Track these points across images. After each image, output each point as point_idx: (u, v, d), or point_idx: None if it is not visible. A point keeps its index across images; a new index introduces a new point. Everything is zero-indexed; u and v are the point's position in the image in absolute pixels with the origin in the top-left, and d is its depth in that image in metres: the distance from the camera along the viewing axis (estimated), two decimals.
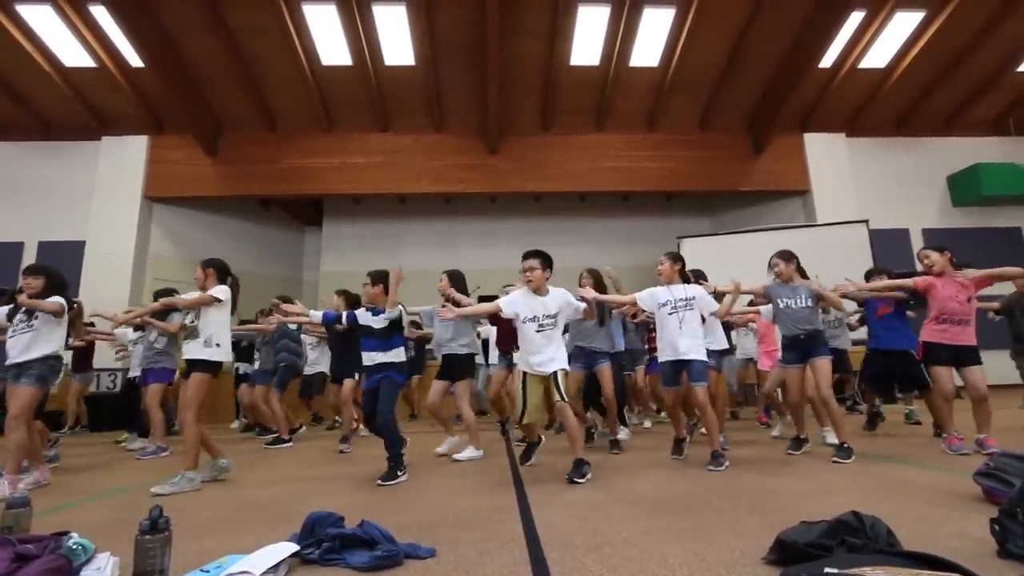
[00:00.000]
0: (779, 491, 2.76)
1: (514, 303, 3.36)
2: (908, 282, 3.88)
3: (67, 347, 3.94)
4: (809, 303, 3.74)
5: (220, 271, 3.66)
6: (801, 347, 3.74)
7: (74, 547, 1.73)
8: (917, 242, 9.93)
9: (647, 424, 6.02)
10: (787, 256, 3.84)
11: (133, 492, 3.26)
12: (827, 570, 1.42)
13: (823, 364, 3.69)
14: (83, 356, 6.63)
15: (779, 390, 4.68)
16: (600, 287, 4.18)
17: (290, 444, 5.32)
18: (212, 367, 3.46)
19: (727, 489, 2.84)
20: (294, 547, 1.87)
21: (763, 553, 1.75)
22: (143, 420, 5.38)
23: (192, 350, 3.47)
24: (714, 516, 2.31)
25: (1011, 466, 2.29)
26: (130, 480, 3.72)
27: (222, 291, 3.53)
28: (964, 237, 10.02)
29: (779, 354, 4.27)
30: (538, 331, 3.29)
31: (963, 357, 3.74)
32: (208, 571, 1.69)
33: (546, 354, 3.27)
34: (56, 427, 7.10)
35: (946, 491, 2.59)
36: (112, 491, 3.29)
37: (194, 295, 3.58)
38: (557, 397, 3.23)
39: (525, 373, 3.35)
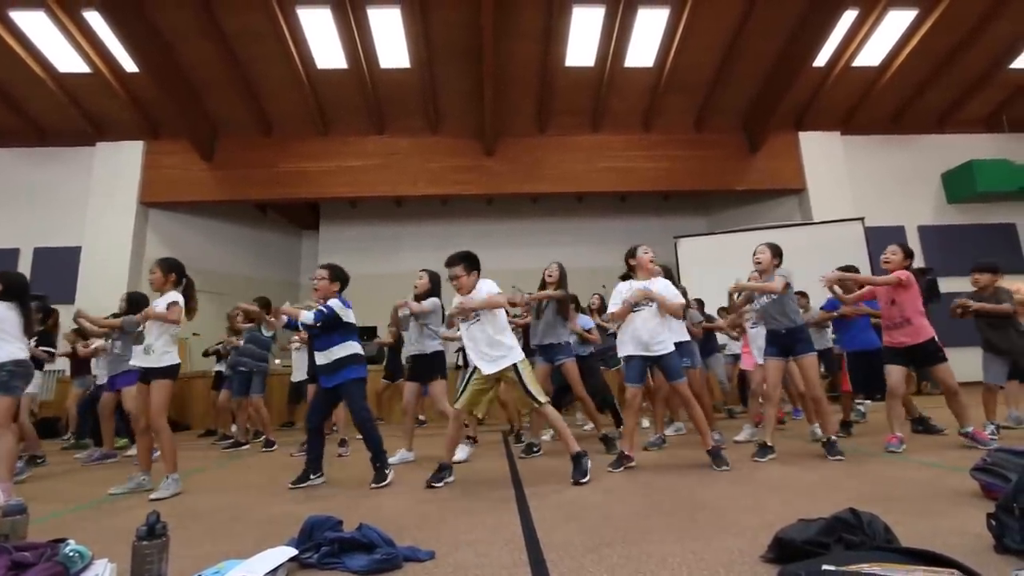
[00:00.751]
0: (777, 489, 2.76)
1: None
2: (891, 278, 3.80)
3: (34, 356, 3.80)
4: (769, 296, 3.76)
5: (178, 272, 3.59)
6: (780, 342, 3.72)
7: (71, 554, 1.72)
8: (913, 239, 9.97)
9: (645, 423, 6.01)
10: (773, 249, 3.80)
11: (130, 498, 3.24)
12: (825, 567, 1.42)
13: (807, 362, 3.66)
14: (81, 361, 6.58)
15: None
16: (564, 280, 4.40)
17: (274, 447, 5.41)
18: (164, 373, 3.36)
19: (724, 488, 2.85)
20: (292, 551, 1.87)
21: (761, 551, 1.76)
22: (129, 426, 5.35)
23: (141, 359, 3.41)
24: (712, 515, 2.31)
25: (1008, 461, 2.30)
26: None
27: (177, 303, 3.45)
28: (959, 234, 10.09)
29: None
30: (470, 327, 3.33)
31: (916, 358, 3.79)
32: None
33: (476, 350, 3.28)
34: (55, 433, 7.09)
35: (943, 487, 2.60)
36: (109, 497, 3.27)
37: (161, 309, 3.41)
38: (525, 395, 3.25)
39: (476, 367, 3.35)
